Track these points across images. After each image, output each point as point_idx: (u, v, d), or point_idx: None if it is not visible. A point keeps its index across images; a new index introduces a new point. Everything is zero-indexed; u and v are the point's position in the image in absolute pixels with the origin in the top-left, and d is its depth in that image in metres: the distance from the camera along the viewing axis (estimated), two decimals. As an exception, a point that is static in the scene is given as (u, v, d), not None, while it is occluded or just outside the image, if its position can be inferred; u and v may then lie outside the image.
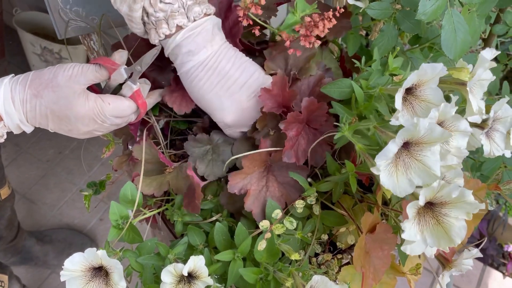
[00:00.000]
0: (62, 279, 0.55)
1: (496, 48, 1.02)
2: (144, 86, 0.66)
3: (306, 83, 0.65)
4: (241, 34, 0.67)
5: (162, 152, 0.73)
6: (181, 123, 0.77)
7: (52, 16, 0.75)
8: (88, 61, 0.65)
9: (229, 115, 0.64)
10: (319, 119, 0.62)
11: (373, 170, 0.48)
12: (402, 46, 0.82)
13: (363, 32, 0.85)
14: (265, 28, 0.68)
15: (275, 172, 0.64)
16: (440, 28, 0.63)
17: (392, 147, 0.47)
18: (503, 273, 1.59)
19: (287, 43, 0.61)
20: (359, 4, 0.71)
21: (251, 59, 0.65)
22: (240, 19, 0.62)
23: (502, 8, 0.83)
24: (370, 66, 0.63)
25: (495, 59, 0.99)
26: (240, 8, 0.61)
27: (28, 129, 0.62)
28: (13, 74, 0.62)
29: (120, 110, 0.62)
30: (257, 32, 0.63)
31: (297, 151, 0.62)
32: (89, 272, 0.56)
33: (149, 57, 0.63)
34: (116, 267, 0.54)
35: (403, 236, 0.49)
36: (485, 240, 1.58)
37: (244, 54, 0.65)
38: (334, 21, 0.57)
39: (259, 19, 0.71)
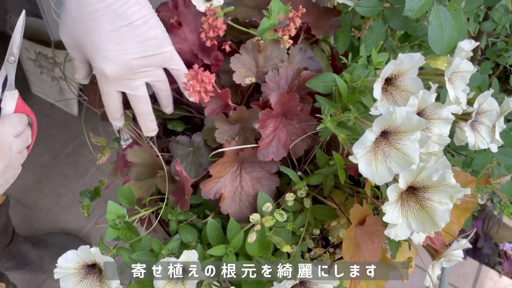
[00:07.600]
0: (56, 276, 0.56)
1: (487, 47, 1.03)
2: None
3: (284, 77, 0.65)
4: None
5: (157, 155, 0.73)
6: (177, 125, 0.77)
7: (45, 18, 0.76)
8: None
9: (111, 65, 0.56)
10: (293, 109, 0.62)
11: (351, 159, 0.48)
12: (393, 44, 0.83)
13: (357, 33, 0.86)
14: (246, 32, 0.67)
15: (248, 169, 0.63)
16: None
17: (369, 135, 0.48)
18: (499, 272, 1.60)
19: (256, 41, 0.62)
20: (348, 2, 0.72)
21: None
22: (204, 39, 0.61)
23: (490, 6, 0.85)
24: (356, 62, 0.64)
25: (486, 58, 1.01)
26: (202, 31, 0.60)
27: None
28: None
29: (15, 125, 0.55)
30: (227, 48, 0.62)
31: (277, 146, 0.62)
32: (83, 269, 0.56)
33: (20, 26, 0.44)
34: (109, 264, 0.55)
35: (384, 218, 0.49)
36: (480, 239, 1.59)
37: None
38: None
39: (249, 20, 0.72)
